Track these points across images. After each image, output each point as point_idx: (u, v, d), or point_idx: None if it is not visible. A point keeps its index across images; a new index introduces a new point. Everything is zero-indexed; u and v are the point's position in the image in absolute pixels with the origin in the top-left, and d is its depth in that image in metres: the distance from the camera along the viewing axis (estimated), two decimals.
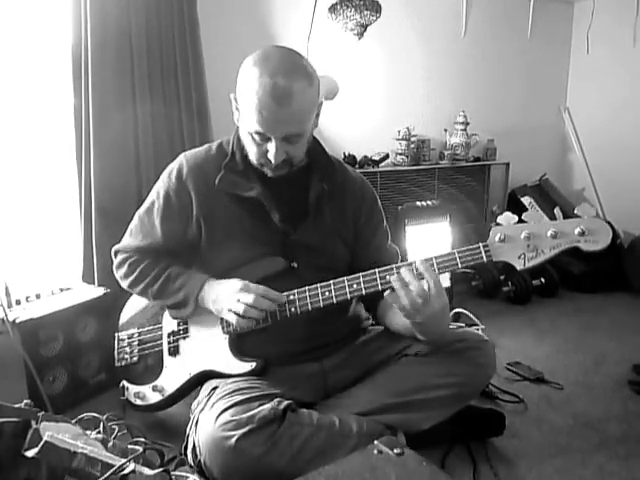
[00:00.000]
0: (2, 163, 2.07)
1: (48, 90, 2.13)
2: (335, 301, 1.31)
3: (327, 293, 1.32)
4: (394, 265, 1.29)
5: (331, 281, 1.32)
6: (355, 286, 1.30)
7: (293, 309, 1.34)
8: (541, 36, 3.52)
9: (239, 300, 1.31)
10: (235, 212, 1.39)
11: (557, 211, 1.31)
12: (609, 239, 1.19)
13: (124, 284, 1.50)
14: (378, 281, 1.29)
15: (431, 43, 3.14)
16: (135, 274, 1.46)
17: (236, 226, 1.40)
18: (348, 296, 1.31)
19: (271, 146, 1.27)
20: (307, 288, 1.33)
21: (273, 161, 1.28)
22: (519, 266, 1.24)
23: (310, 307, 1.33)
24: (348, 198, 1.49)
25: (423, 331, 1.31)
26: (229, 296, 1.33)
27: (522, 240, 1.23)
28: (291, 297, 1.34)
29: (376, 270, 1.30)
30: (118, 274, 1.51)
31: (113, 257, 1.53)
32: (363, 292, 1.30)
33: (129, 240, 1.50)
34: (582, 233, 1.19)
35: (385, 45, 2.96)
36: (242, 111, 1.28)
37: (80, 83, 2.06)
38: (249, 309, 1.30)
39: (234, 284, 1.34)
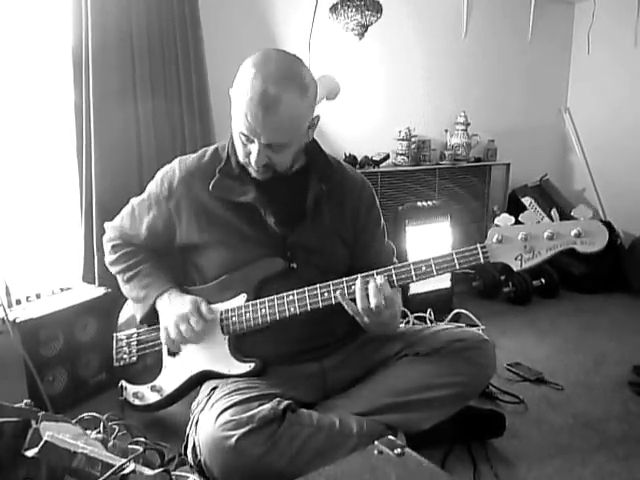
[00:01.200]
0: (3, 162, 2.07)
1: (49, 89, 2.13)
2: (334, 302, 1.31)
3: (326, 294, 1.32)
4: (392, 267, 1.29)
5: (330, 282, 1.32)
6: (353, 287, 1.30)
7: (292, 309, 1.34)
8: (542, 37, 3.52)
9: (177, 325, 1.36)
10: (231, 217, 1.39)
11: (554, 212, 1.31)
12: (605, 241, 1.19)
13: (106, 260, 1.59)
14: None
15: (432, 43, 3.14)
16: (115, 256, 1.54)
17: (232, 230, 1.40)
18: (346, 296, 1.31)
19: (253, 148, 1.27)
20: (306, 289, 1.33)
21: (254, 164, 1.29)
22: (516, 267, 1.24)
23: (309, 308, 1.33)
24: (347, 198, 1.49)
25: (368, 329, 1.37)
26: (173, 314, 1.38)
27: (519, 241, 1.23)
28: (290, 297, 1.34)
29: (374, 272, 1.29)
30: (105, 248, 1.60)
31: (106, 229, 1.61)
32: None
33: (119, 222, 1.57)
34: (578, 235, 1.20)
35: (386, 45, 2.96)
36: (234, 108, 1.28)
37: (81, 82, 2.06)
38: (179, 337, 1.37)
39: (186, 306, 1.38)
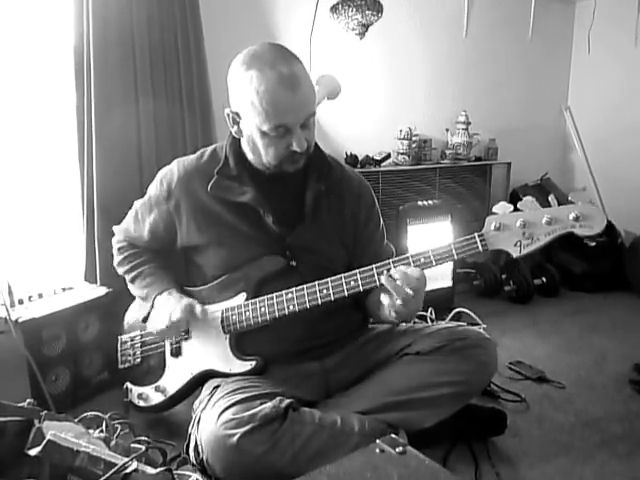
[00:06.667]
0: (5, 162, 2.07)
1: (51, 89, 2.13)
2: (333, 298, 1.31)
3: (325, 291, 1.31)
4: (390, 260, 1.28)
5: (328, 279, 1.32)
6: (352, 283, 1.30)
7: (291, 307, 1.34)
8: (542, 36, 3.51)
9: (162, 318, 1.41)
10: (230, 217, 1.40)
11: (551, 198, 1.32)
12: (604, 224, 1.19)
13: (114, 262, 1.63)
14: (375, 277, 1.28)
15: (432, 43, 3.14)
16: (120, 258, 1.60)
17: (232, 230, 1.40)
18: (345, 293, 1.31)
19: (293, 136, 1.26)
20: (305, 286, 1.33)
21: (299, 149, 1.27)
22: (515, 253, 1.24)
23: (308, 305, 1.33)
24: (346, 198, 1.49)
25: (399, 317, 1.33)
26: (165, 311, 1.42)
27: (517, 228, 1.24)
28: (289, 295, 1.34)
29: (373, 266, 1.29)
30: (113, 251, 1.64)
31: (114, 232, 1.65)
32: (360, 289, 1.30)
33: (125, 225, 1.61)
34: (577, 218, 1.20)
35: (387, 45, 2.96)
36: (249, 117, 1.27)
37: (82, 84, 2.05)
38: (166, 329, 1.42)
39: (181, 303, 1.41)
